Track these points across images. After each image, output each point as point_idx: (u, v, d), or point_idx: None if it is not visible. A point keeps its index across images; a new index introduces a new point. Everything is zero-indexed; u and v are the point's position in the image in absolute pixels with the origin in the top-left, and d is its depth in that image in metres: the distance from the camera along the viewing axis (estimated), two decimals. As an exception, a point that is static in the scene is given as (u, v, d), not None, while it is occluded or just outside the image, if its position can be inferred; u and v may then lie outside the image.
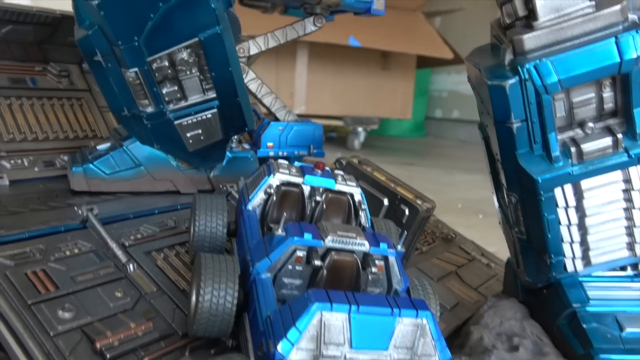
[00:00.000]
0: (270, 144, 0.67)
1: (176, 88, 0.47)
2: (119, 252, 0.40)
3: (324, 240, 0.34)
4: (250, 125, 0.52)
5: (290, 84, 2.06)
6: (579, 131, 0.36)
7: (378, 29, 1.82)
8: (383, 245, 0.36)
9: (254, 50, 0.67)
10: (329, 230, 0.35)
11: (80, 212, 0.42)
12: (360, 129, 2.15)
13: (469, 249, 0.63)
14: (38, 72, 0.59)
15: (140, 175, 0.52)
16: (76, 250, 0.39)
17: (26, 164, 0.53)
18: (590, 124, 0.36)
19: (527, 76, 0.34)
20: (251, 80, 0.67)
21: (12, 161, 0.53)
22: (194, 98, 0.48)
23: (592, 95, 0.35)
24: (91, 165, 0.50)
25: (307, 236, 0.34)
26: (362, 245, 0.35)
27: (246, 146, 0.62)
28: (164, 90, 0.47)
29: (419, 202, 0.52)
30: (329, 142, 2.40)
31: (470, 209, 1.38)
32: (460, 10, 2.09)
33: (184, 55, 0.45)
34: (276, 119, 0.69)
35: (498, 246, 1.04)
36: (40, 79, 0.59)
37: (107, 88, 0.46)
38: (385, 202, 0.52)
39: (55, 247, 0.39)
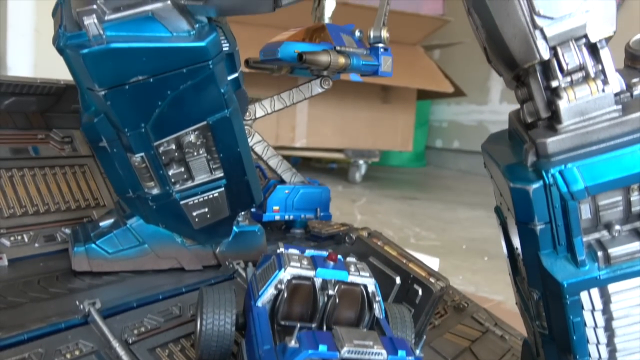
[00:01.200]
0: (276, 207, 0.65)
1: (183, 169, 0.46)
2: (122, 353, 0.38)
3: (339, 351, 0.33)
4: (257, 202, 0.51)
5: (292, 117, 2.06)
6: (605, 233, 0.35)
7: (379, 64, 1.83)
8: (401, 353, 0.34)
9: (259, 113, 0.66)
10: (345, 340, 0.33)
11: (82, 306, 0.40)
12: (361, 162, 2.14)
13: (482, 319, 0.61)
14: (40, 139, 0.58)
15: (143, 254, 0.50)
16: (77, 352, 0.38)
17: (26, 239, 0.52)
18: (618, 227, 0.34)
19: (551, 181, 0.32)
20: (257, 142, 0.66)
21: (12, 238, 0.51)
22: (200, 178, 0.47)
23: (619, 198, 0.34)
24: (93, 245, 0.48)
25: (322, 348, 0.33)
26: (380, 354, 0.33)
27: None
28: (171, 172, 0.45)
29: (432, 280, 0.50)
30: (330, 174, 2.38)
31: (475, 250, 1.36)
32: (460, 44, 2.10)
33: (192, 137, 0.44)
34: (282, 181, 0.68)
35: (505, 294, 1.02)
36: (42, 147, 0.58)
37: (112, 171, 0.45)
38: (398, 280, 0.51)
39: (56, 351, 0.37)
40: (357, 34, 0.68)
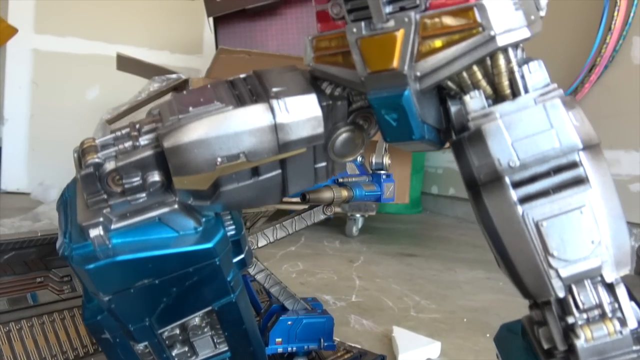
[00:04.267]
0: (279, 340, 0.64)
1: (187, 349, 0.45)
2: None
3: None
4: (263, 367, 0.50)
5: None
6: None
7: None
8: None
9: (262, 243, 0.66)
10: None
11: None
12: (358, 215, 2.14)
13: None
14: (39, 284, 0.57)
15: (145, 422, 0.49)
16: None
17: (23, 401, 0.50)
18: None
19: None
20: (259, 272, 0.66)
21: (9, 402, 0.50)
22: (204, 353, 0.46)
23: None
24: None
25: None
26: None
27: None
28: (174, 352, 0.44)
29: None
30: (327, 225, 2.37)
31: (476, 324, 1.35)
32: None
33: (196, 321, 0.43)
34: (284, 308, 0.67)
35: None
36: (41, 292, 0.57)
37: (114, 357, 0.44)
38: None
39: None
40: (359, 158, 0.68)
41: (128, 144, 0.36)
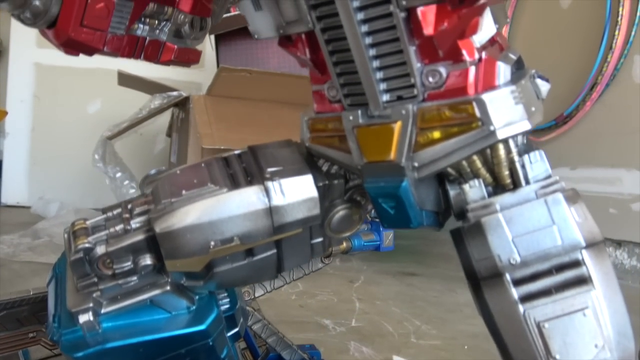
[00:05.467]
0: (276, 391, 0.64)
1: None
2: None
3: None
4: None
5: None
6: None
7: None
8: None
9: (259, 292, 0.65)
10: None
11: None
12: (358, 232, 2.13)
13: None
14: (31, 339, 0.56)
15: None
16: None
17: None
18: None
19: None
20: (256, 322, 0.65)
21: None
22: None
23: None
24: None
25: None
26: None
27: None
28: None
29: None
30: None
31: (477, 352, 1.33)
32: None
33: None
34: (280, 357, 0.66)
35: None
36: (33, 349, 0.56)
37: None
38: None
39: None
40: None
41: (119, 227, 0.35)
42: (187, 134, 1.83)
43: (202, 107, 1.73)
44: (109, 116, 2.31)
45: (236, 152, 0.38)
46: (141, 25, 0.37)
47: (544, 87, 0.32)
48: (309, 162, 0.37)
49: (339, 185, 0.37)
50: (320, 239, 0.39)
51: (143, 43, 0.37)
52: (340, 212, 0.38)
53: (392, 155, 0.31)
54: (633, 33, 1.72)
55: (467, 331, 1.52)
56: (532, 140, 0.33)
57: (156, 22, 0.37)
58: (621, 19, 1.73)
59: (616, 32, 1.75)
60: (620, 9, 1.73)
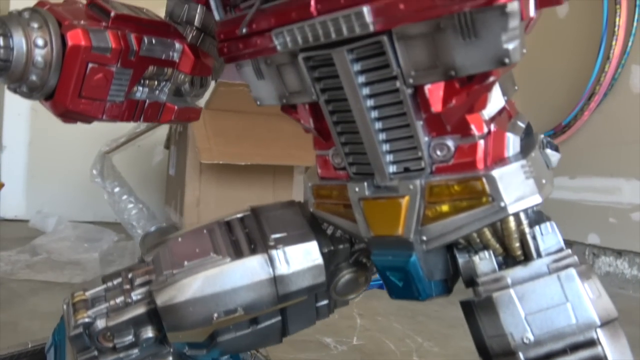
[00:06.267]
0: None
1: None
2: None
3: None
4: None
5: (289, 189, 2.04)
6: None
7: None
8: None
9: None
10: None
11: None
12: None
13: None
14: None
15: None
16: None
17: None
18: None
19: None
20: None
21: None
22: None
23: None
24: None
25: None
26: None
27: None
28: None
29: None
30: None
31: (479, 370, 1.32)
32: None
33: None
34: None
35: None
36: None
37: None
38: None
39: None
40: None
41: (120, 299, 0.34)
42: (186, 147, 1.82)
43: (200, 121, 1.72)
44: (107, 129, 2.29)
45: (238, 215, 0.37)
46: (140, 88, 0.36)
47: (554, 157, 0.31)
48: (313, 225, 0.37)
49: (344, 250, 0.36)
50: (325, 302, 0.38)
51: (143, 106, 0.36)
52: (346, 276, 0.37)
53: (400, 230, 0.30)
54: (630, 43, 1.72)
55: (470, 348, 1.51)
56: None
57: (155, 82, 0.36)
58: (618, 29, 1.73)
59: (613, 42, 1.74)
60: (617, 19, 1.73)
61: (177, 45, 0.36)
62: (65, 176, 2.40)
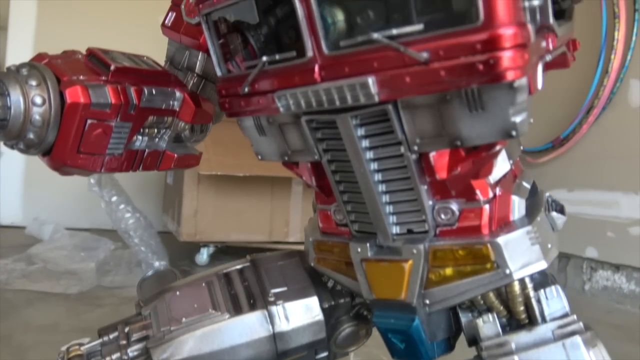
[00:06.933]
0: None
1: None
2: None
3: None
4: None
5: (286, 213, 2.03)
6: None
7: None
8: None
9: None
10: None
11: None
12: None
13: None
14: None
15: None
16: None
17: None
18: None
19: None
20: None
21: None
22: None
23: None
24: None
25: None
26: None
27: None
28: None
29: None
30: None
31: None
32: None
33: None
34: None
35: None
36: None
37: None
38: None
39: None
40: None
41: (116, 355, 0.34)
42: (183, 158, 1.79)
43: (197, 131, 1.71)
44: (103, 136, 2.28)
45: (237, 266, 0.37)
46: (140, 137, 0.35)
47: (559, 220, 0.31)
48: (314, 277, 0.36)
49: (345, 304, 0.36)
50: (325, 354, 0.37)
51: (142, 155, 0.35)
52: (347, 329, 0.36)
53: (403, 295, 0.30)
54: (629, 57, 1.72)
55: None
56: (549, 273, 0.31)
57: (155, 130, 0.36)
58: (617, 43, 1.73)
59: (612, 56, 1.75)
60: (616, 33, 1.73)
61: (178, 94, 0.36)
62: (62, 183, 2.39)
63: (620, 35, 1.72)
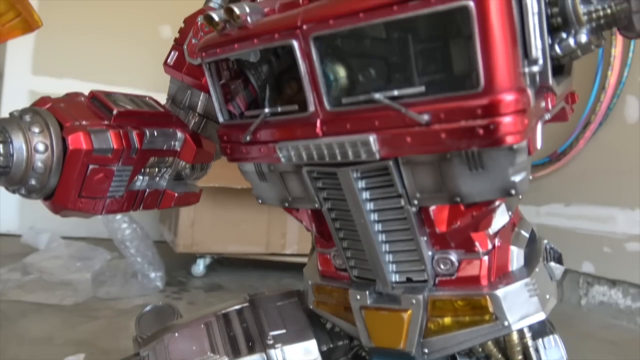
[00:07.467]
0: None
1: None
2: None
3: None
4: None
5: (283, 225, 2.03)
6: None
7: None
8: None
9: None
10: None
11: None
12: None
13: None
14: None
15: None
16: None
17: None
18: None
19: None
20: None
21: None
22: None
23: None
24: None
25: None
26: None
27: None
28: None
29: None
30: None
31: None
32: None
33: None
34: None
35: None
36: None
37: None
38: None
39: None
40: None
41: None
42: (180, 168, 1.79)
43: (195, 143, 1.71)
44: (101, 145, 2.28)
45: (236, 307, 0.37)
46: (141, 177, 0.35)
47: (557, 270, 0.31)
48: (312, 318, 0.36)
49: (343, 346, 0.36)
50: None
51: (142, 195, 0.35)
52: (344, 372, 0.36)
53: (402, 344, 0.30)
54: (626, 74, 1.73)
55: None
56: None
57: (156, 170, 0.36)
58: (614, 60, 1.74)
59: (609, 73, 1.76)
60: (613, 49, 1.74)
61: (179, 134, 0.36)
62: (59, 192, 2.37)
63: (617, 51, 1.73)
